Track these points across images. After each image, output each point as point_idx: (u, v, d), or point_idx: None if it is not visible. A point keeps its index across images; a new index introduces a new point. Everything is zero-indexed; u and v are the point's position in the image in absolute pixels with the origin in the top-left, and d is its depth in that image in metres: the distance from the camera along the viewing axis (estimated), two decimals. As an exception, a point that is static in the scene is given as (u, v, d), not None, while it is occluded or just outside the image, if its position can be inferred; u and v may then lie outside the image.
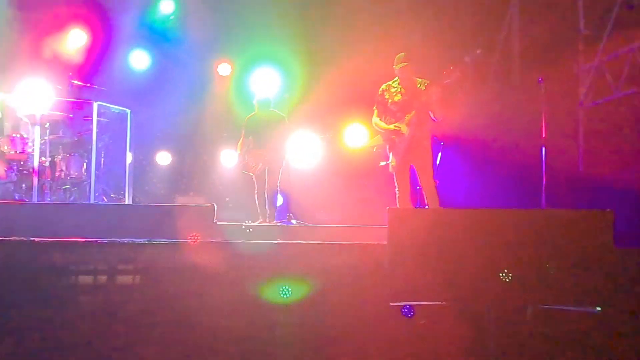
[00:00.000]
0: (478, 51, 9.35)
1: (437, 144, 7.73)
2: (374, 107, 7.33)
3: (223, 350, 4.25)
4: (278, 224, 8.68)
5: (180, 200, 11.03)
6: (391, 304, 3.88)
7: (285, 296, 4.34)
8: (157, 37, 11.93)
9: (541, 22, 10.03)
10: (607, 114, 9.09)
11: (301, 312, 4.25)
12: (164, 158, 12.00)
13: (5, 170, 9.16)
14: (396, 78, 7.19)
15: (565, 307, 3.95)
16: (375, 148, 7.66)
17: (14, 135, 9.38)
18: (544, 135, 7.47)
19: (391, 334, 4.02)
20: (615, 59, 9.08)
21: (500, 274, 3.71)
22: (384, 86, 7.30)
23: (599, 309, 3.87)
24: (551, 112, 7.61)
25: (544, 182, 7.40)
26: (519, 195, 9.09)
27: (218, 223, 7.68)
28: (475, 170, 9.90)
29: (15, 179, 9.24)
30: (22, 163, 9.30)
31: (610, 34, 8.97)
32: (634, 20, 8.67)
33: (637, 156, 8.30)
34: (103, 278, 4.64)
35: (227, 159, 11.50)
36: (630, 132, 8.48)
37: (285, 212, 9.37)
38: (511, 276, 3.70)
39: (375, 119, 7.30)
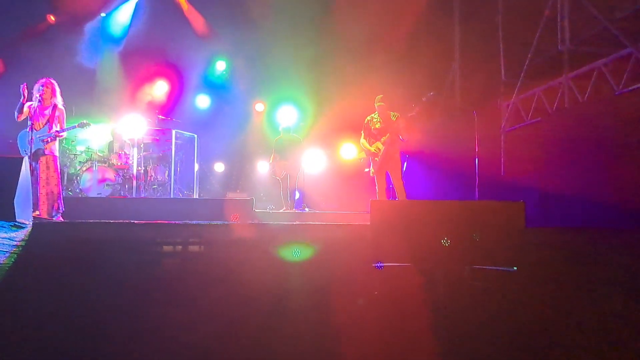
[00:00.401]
0: (431, 93, 9.31)
1: (404, 156, 7.71)
2: (362, 132, 7.32)
3: (257, 297, 4.23)
4: (296, 211, 8.68)
5: (230, 195, 11.02)
6: (373, 264, 3.86)
7: (297, 257, 4.30)
8: (215, 85, 11.98)
9: (475, 73, 9.99)
10: (520, 136, 9.02)
11: (309, 271, 4.21)
12: (219, 167, 12.01)
13: (114, 176, 9.18)
14: (376, 112, 7.18)
15: (491, 267, 3.91)
16: (361, 159, 7.65)
17: (120, 152, 9.43)
18: (477, 150, 7.43)
19: (372, 283, 3.99)
20: (526, 98, 9.02)
21: (443, 241, 3.69)
22: (368, 117, 7.28)
23: (515, 268, 3.84)
24: (482, 135, 7.57)
25: (476, 182, 7.36)
26: (459, 192, 9.05)
27: (256, 210, 7.68)
28: (430, 174, 9.85)
29: (121, 181, 9.27)
30: (125, 171, 9.34)
31: (522, 81, 8.91)
32: (538, 73, 8.62)
33: (540, 164, 8.23)
34: (179, 248, 4.58)
35: (261, 167, 11.51)
36: (535, 148, 8.42)
37: (301, 203, 9.35)
38: (450, 243, 3.68)
39: (362, 140, 7.29)
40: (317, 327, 4.12)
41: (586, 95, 7.57)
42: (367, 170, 7.41)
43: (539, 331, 3.53)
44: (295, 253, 4.37)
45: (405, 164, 7.89)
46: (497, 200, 4.81)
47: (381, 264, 3.80)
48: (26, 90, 6.19)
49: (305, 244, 4.41)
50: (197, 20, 11.53)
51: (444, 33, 10.59)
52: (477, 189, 7.28)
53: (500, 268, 3.80)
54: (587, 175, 7.03)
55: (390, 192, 7.28)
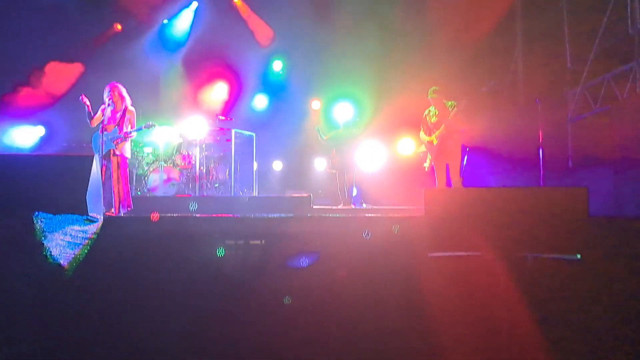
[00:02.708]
0: (492, 82, 9.08)
1: (464, 150, 7.58)
2: (421, 126, 7.29)
3: (315, 288, 4.29)
4: (354, 207, 8.71)
5: (289, 192, 11.15)
6: (429, 254, 3.84)
7: (353, 249, 4.33)
8: (272, 85, 12.23)
9: (539, 60, 9.65)
10: (589, 125, 8.65)
11: (366, 260, 4.25)
12: (278, 165, 12.22)
13: (179, 176, 9.60)
14: (432, 105, 7.12)
15: (555, 256, 3.80)
16: (421, 153, 7.59)
17: (184, 153, 9.84)
18: (541, 141, 7.21)
19: (428, 274, 3.97)
20: (594, 85, 8.64)
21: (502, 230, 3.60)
22: (426, 111, 7.24)
23: (579, 256, 3.71)
24: (547, 125, 7.33)
25: (541, 174, 7.13)
26: (523, 183, 8.75)
27: (314, 207, 7.81)
28: (492, 167, 9.60)
29: (185, 181, 9.67)
30: (189, 171, 9.74)
31: (590, 68, 8.55)
32: (607, 59, 8.24)
33: (611, 154, 7.86)
34: (241, 241, 4.66)
35: (319, 164, 11.62)
36: (605, 137, 8.05)
37: (359, 198, 9.37)
38: (510, 232, 3.58)
39: (421, 133, 7.27)
40: (375, 319, 4.16)
41: (660, 79, 7.17)
42: (425, 165, 7.35)
43: (602, 321, 3.40)
44: (351, 245, 4.40)
45: (466, 157, 7.75)
46: (558, 187, 4.64)
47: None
48: (86, 99, 6.60)
49: (361, 236, 4.44)
50: (254, 22, 11.82)
51: (506, 21, 10.31)
52: (541, 181, 7.03)
53: (564, 257, 3.68)
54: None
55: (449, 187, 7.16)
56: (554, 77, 9.35)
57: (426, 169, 7.19)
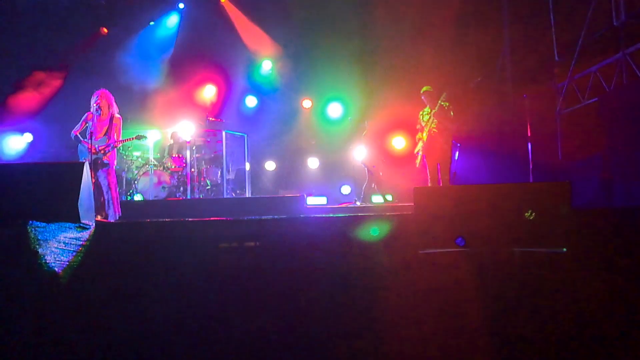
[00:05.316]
0: (478, 79, 9.19)
1: (455, 146, 7.71)
2: (417, 126, 7.44)
3: (309, 289, 4.38)
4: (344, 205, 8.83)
5: (282, 192, 11.26)
6: (420, 251, 3.94)
7: (346, 248, 4.42)
8: (261, 86, 12.28)
9: (526, 55, 9.79)
10: (577, 117, 8.79)
11: (359, 258, 4.34)
12: (270, 165, 12.26)
13: (170, 179, 9.66)
14: (428, 106, 7.29)
15: (540, 249, 3.91)
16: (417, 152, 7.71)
17: (174, 155, 9.90)
18: (529, 135, 7.34)
19: (420, 271, 4.07)
20: (581, 78, 8.79)
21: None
22: (421, 111, 7.39)
23: (564, 249, 3.83)
24: (536, 119, 7.44)
25: (530, 168, 7.26)
26: (513, 178, 8.87)
27: (307, 206, 7.90)
28: (483, 162, 9.71)
29: (176, 183, 9.72)
30: (180, 173, 9.78)
31: (577, 60, 8.69)
32: (594, 51, 8.38)
33: (600, 145, 7.99)
34: (234, 244, 4.69)
35: (312, 163, 11.69)
36: (594, 129, 8.19)
37: (352, 196, 9.47)
38: (497, 226, 3.69)
39: (419, 134, 7.42)
40: (369, 317, 4.26)
41: (646, 70, 7.30)
42: (416, 161, 7.48)
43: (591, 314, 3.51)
44: (344, 244, 4.49)
45: (457, 153, 7.88)
46: (542, 182, 4.76)
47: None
48: None
49: (353, 234, 4.54)
50: (242, 23, 11.87)
51: (492, 16, 10.43)
52: (531, 175, 7.17)
53: (549, 250, 3.80)
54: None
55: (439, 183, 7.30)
56: (542, 70, 9.48)
57: (417, 165, 7.33)
